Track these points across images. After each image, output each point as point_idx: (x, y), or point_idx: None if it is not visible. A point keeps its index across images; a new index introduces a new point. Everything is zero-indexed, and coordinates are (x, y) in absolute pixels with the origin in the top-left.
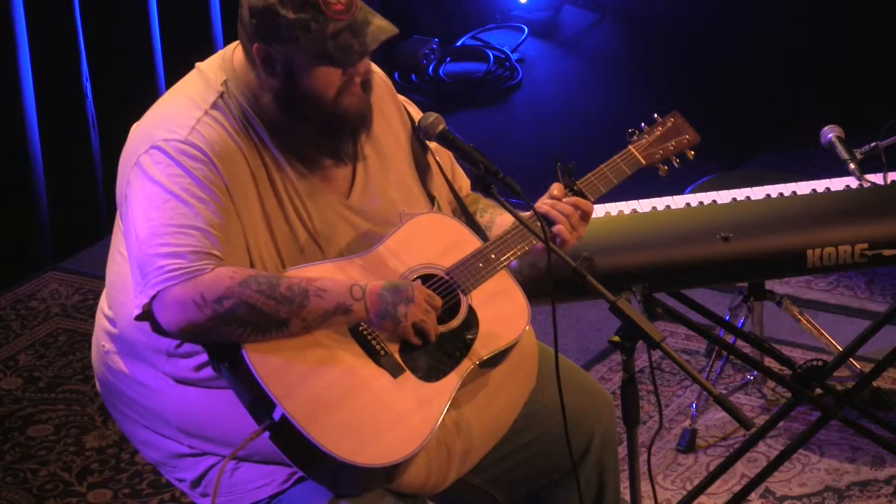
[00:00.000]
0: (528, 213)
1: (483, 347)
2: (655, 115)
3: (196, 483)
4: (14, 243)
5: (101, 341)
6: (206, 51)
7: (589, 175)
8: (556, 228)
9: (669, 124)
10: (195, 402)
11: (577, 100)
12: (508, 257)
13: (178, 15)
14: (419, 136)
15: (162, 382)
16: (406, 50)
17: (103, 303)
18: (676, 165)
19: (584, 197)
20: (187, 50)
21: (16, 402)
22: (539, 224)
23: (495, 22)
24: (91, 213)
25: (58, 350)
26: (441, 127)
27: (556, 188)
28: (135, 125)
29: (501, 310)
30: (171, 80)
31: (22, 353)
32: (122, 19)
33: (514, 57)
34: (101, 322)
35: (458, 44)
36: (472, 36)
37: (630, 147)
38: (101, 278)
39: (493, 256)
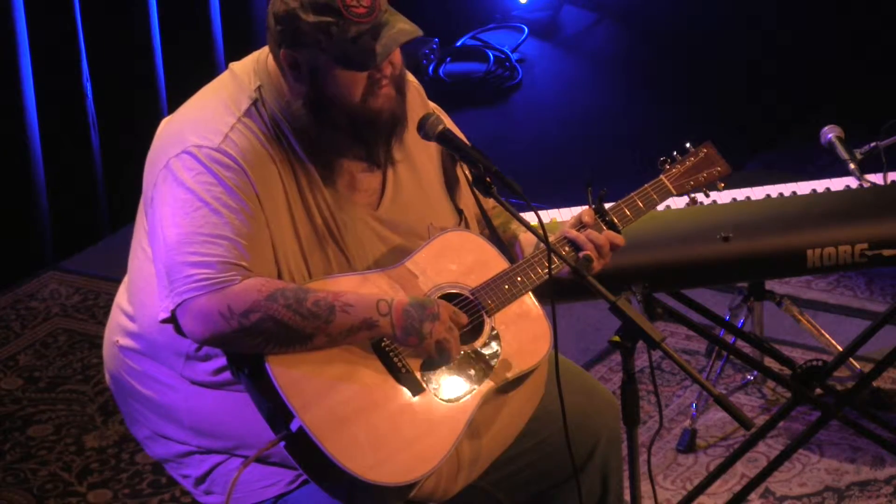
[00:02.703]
0: (555, 236)
1: (504, 370)
2: (688, 145)
3: (200, 480)
4: (14, 243)
5: (114, 336)
6: (207, 51)
7: (619, 202)
8: (583, 255)
9: (702, 155)
10: (210, 403)
11: (577, 100)
12: (534, 280)
13: (178, 15)
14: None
15: (177, 381)
16: (406, 50)
17: (122, 298)
18: (706, 196)
19: (615, 227)
20: (187, 50)
21: (16, 402)
22: (566, 249)
23: (495, 22)
24: (91, 213)
25: (58, 350)
26: (441, 127)
27: (587, 214)
28: (165, 121)
29: (524, 333)
30: (172, 80)
31: (22, 353)
32: (122, 19)
33: (514, 57)
34: (117, 317)
35: (458, 44)
36: (472, 36)
37: (661, 177)
38: (101, 278)
39: (518, 279)
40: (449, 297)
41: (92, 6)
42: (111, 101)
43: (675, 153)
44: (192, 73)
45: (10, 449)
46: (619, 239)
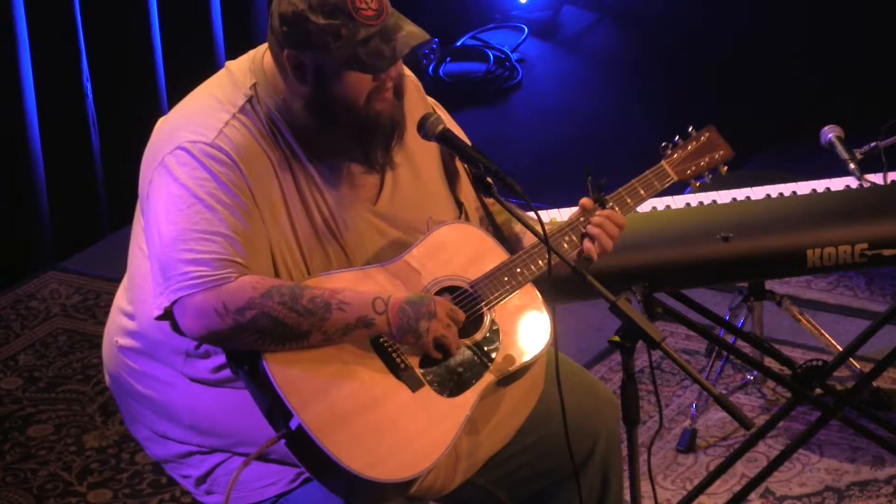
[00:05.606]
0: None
1: (504, 363)
2: (690, 129)
3: (201, 480)
4: (14, 243)
5: (114, 336)
6: (207, 51)
7: (620, 189)
8: (585, 246)
9: (704, 139)
10: (210, 400)
11: (577, 100)
12: (534, 272)
13: (178, 15)
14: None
15: (177, 379)
16: None
17: (121, 298)
18: (708, 181)
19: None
20: (188, 50)
21: (16, 402)
22: (566, 239)
23: (495, 22)
24: (91, 213)
25: (58, 350)
26: (441, 127)
27: (586, 203)
28: (161, 120)
29: (524, 325)
30: (172, 80)
31: (22, 353)
32: (123, 19)
33: (514, 57)
34: (116, 317)
35: (458, 44)
36: (472, 36)
37: (662, 162)
38: (101, 278)
39: (518, 271)
40: (448, 291)
41: (92, 6)
42: (111, 101)
43: (677, 137)
44: (192, 73)
45: (10, 449)
46: (619, 218)
